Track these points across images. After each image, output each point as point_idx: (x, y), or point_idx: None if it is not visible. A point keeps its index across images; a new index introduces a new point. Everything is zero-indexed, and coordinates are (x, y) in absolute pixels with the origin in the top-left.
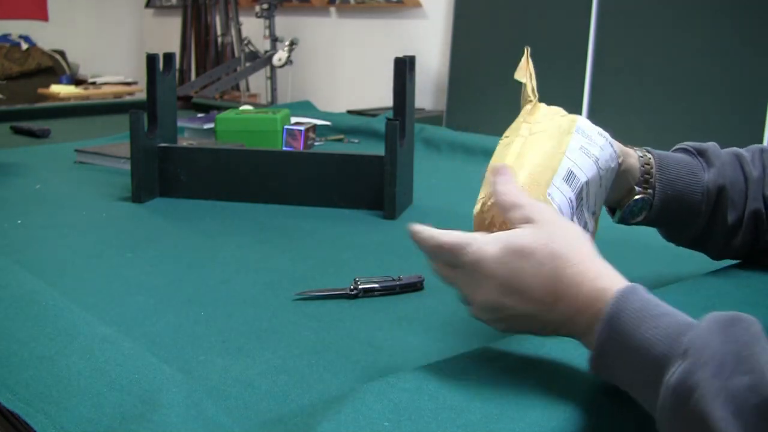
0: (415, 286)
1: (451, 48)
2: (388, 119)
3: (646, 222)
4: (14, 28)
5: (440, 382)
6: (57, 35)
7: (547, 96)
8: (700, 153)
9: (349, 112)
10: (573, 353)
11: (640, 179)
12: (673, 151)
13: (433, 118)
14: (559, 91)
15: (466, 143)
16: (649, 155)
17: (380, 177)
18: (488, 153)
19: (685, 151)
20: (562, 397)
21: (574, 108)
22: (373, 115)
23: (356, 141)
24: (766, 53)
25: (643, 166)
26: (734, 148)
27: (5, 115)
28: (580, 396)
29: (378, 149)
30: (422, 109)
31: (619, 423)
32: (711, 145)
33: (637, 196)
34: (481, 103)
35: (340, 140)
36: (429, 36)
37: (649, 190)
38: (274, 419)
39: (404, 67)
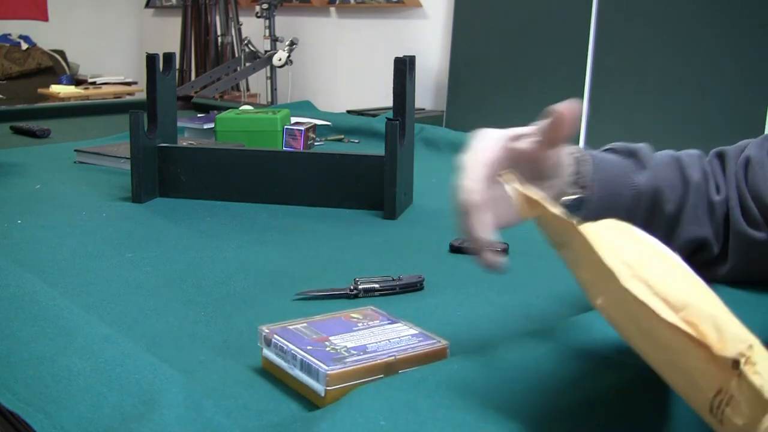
0: (415, 286)
1: (451, 48)
2: (388, 119)
3: None
4: (14, 28)
5: (437, 382)
6: (57, 35)
7: (547, 96)
8: (631, 154)
9: (349, 112)
10: (572, 354)
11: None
12: (602, 152)
13: (433, 118)
14: (560, 91)
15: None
16: (585, 154)
17: (380, 177)
18: None
19: (614, 151)
20: (559, 398)
21: None
22: (373, 115)
23: (356, 141)
24: (766, 53)
25: (576, 165)
26: (671, 151)
27: (5, 115)
28: (577, 397)
29: (378, 149)
30: (422, 109)
31: (618, 424)
32: (642, 146)
33: (567, 197)
34: (481, 103)
35: (340, 140)
36: (429, 36)
37: (580, 191)
38: (274, 419)
39: (404, 67)
